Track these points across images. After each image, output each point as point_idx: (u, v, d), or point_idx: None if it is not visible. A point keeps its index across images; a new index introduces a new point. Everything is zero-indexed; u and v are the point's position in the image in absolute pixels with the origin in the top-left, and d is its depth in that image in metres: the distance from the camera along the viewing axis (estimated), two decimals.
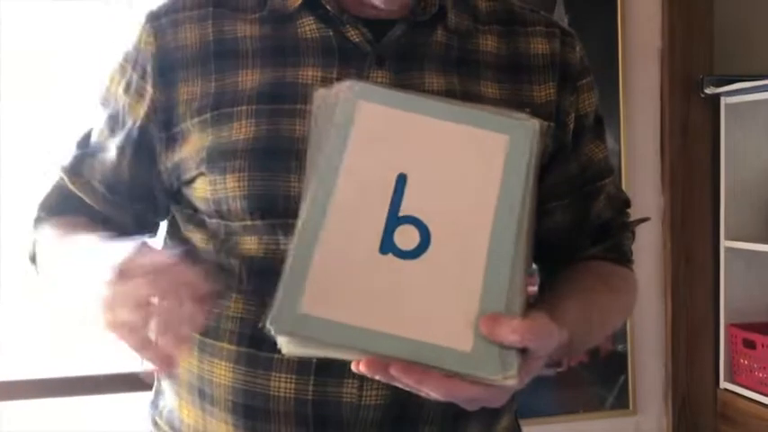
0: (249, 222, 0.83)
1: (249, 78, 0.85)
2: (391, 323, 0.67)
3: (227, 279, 0.84)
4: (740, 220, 2.12)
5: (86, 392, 1.95)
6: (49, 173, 0.98)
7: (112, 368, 1.97)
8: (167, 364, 0.67)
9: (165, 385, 0.95)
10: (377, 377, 0.66)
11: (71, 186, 0.94)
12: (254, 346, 0.83)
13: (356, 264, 0.69)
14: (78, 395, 1.94)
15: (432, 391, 0.66)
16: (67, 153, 0.95)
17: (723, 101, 2.13)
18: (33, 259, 0.96)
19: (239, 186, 0.82)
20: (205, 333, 0.85)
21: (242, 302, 0.84)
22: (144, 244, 0.72)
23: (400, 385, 0.66)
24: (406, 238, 0.71)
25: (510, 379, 0.66)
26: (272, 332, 0.66)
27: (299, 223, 0.70)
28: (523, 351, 0.67)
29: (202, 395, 0.87)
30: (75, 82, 1.93)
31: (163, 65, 0.87)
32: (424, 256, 0.70)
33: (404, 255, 0.70)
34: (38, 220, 0.95)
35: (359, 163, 0.73)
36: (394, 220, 0.71)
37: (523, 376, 0.67)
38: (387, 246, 0.70)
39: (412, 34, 0.88)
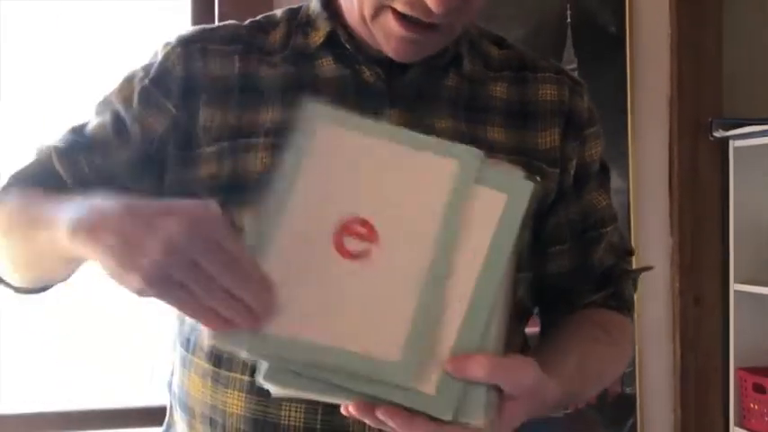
0: None
1: (269, 116, 0.88)
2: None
3: None
4: (750, 264, 2.11)
5: (92, 427, 1.93)
6: (31, 148, 0.94)
7: (117, 402, 1.97)
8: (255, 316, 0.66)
9: (178, 417, 0.96)
10: (366, 420, 0.68)
11: (57, 164, 0.91)
12: None
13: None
14: (83, 430, 1.92)
15: None
16: (60, 134, 0.94)
17: (732, 144, 2.13)
18: None
19: None
20: (218, 364, 0.87)
21: None
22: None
23: (388, 429, 0.68)
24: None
25: (477, 420, 0.66)
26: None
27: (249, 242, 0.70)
28: (499, 391, 0.68)
29: (214, 425, 0.88)
30: (74, 81, 1.93)
31: (188, 88, 0.90)
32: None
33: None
34: (6, 187, 0.91)
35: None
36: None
37: (507, 419, 0.69)
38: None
39: (426, 76, 0.91)
